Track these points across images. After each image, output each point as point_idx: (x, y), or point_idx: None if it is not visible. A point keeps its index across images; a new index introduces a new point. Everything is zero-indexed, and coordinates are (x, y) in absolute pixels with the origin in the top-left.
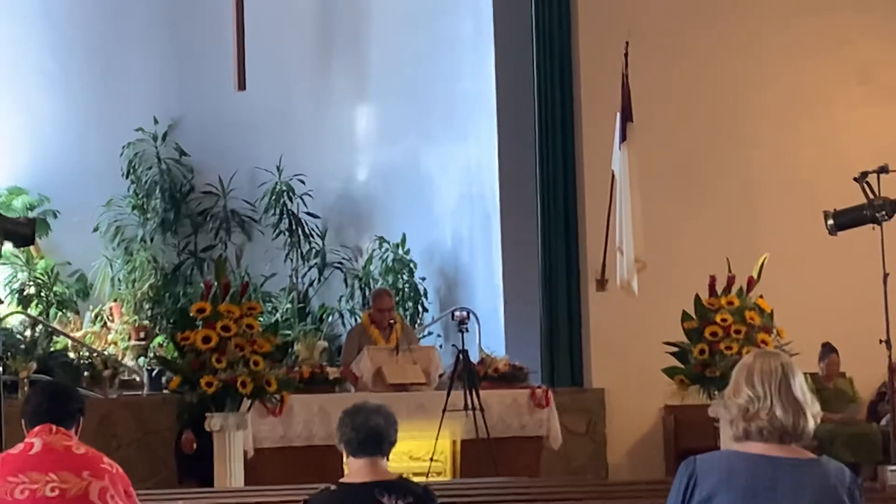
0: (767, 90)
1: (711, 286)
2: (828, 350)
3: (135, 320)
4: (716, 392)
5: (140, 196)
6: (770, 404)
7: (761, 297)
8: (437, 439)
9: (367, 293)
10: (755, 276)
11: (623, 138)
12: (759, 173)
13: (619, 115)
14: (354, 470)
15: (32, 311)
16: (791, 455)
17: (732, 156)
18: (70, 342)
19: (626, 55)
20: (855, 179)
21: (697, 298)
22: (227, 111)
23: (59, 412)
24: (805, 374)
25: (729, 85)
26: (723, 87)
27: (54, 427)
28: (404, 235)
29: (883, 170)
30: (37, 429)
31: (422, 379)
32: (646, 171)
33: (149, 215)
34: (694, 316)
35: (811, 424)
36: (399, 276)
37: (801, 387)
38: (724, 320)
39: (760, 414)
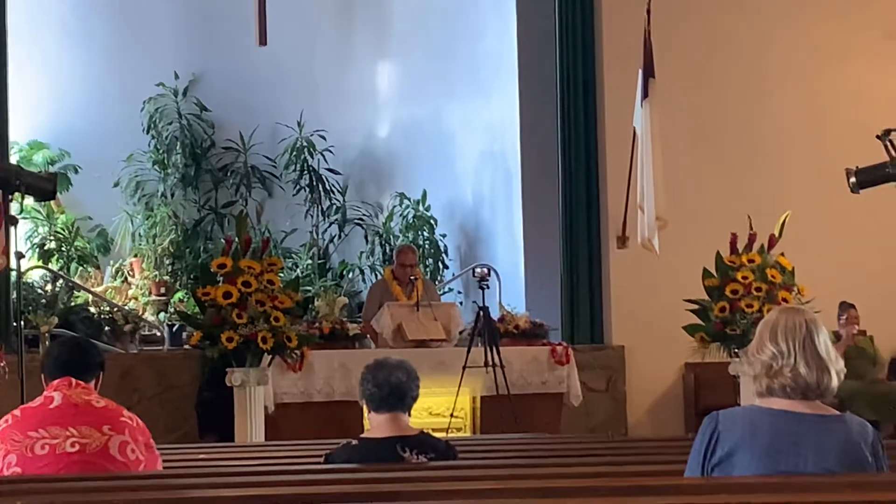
0: (789, 45)
1: (733, 244)
2: (846, 306)
3: (155, 275)
4: (736, 350)
5: (161, 151)
6: (794, 361)
7: (783, 254)
8: (457, 395)
9: (387, 250)
10: (777, 234)
11: (645, 95)
12: (782, 130)
13: (641, 71)
14: (376, 425)
15: (53, 266)
16: (815, 411)
17: (755, 112)
18: (91, 297)
19: (648, 11)
20: (878, 137)
21: (718, 256)
22: (248, 66)
23: (79, 365)
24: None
25: (751, 41)
26: (745, 43)
27: (74, 380)
28: (425, 192)
29: None
30: (56, 382)
31: (442, 335)
32: (667, 128)
33: (169, 171)
34: (715, 273)
35: (835, 381)
36: (420, 232)
37: (825, 343)
38: (745, 278)
39: (784, 371)
